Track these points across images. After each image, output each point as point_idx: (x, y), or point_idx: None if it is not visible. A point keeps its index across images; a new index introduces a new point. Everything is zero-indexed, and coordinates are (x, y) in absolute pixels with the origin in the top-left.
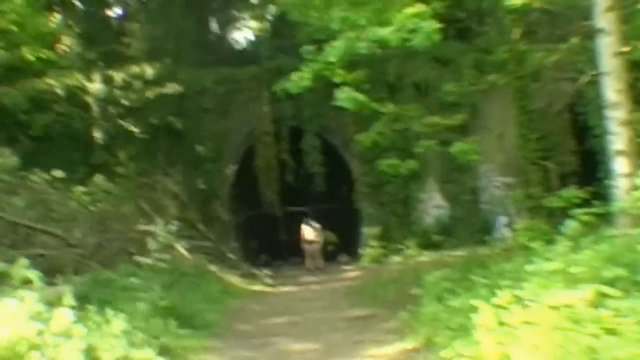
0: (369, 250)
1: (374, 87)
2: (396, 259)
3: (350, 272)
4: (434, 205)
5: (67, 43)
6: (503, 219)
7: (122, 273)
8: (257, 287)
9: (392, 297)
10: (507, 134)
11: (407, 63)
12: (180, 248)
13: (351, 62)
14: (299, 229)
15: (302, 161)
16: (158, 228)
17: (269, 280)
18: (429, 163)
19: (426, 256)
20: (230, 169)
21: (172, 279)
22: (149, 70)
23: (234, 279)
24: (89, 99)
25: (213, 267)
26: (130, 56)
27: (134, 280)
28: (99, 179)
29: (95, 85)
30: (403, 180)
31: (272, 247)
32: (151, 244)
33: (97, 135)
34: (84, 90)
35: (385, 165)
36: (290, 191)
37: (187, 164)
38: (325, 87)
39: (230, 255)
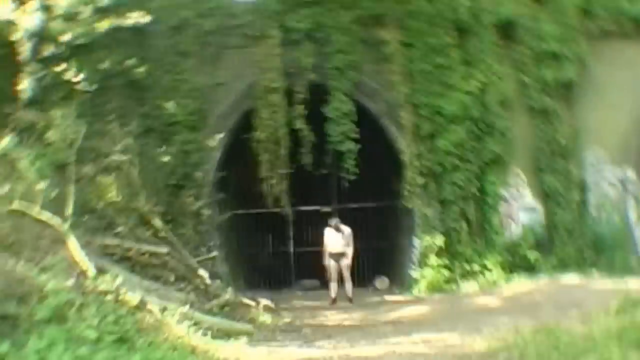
0: (427, 272)
1: (436, 28)
2: (470, 286)
3: (408, 308)
4: (523, 206)
5: None
6: None
7: None
8: (233, 345)
9: None
10: (626, 104)
11: None
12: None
13: None
14: (320, 236)
15: (326, 134)
16: None
17: (266, 319)
18: (516, 142)
19: (529, 283)
20: (216, 142)
21: None
22: None
23: (179, 326)
24: (19, 36)
25: (138, 294)
26: None
27: None
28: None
29: (29, 18)
30: (477, 167)
31: (276, 262)
32: None
33: (25, 85)
34: (12, 24)
35: None
36: (306, 180)
37: (150, 130)
38: (364, 26)
39: (201, 273)
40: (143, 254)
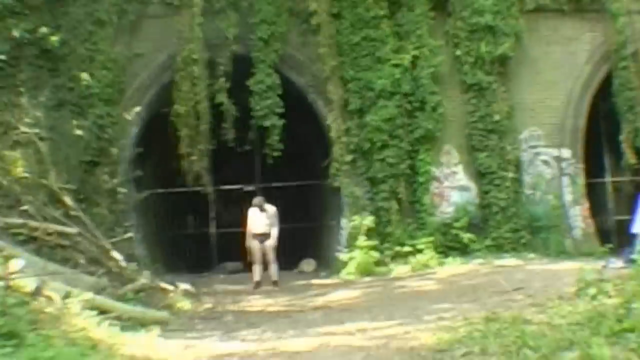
0: (355, 253)
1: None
2: (401, 268)
3: (337, 292)
4: (455, 185)
5: None
6: None
7: None
8: (144, 337)
9: None
10: (562, 82)
11: None
12: None
13: None
14: (243, 217)
15: (250, 109)
16: None
17: (185, 305)
18: (448, 119)
19: (463, 265)
20: (134, 116)
21: None
22: None
23: (82, 316)
24: None
25: (35, 279)
26: None
27: None
28: None
29: None
30: (408, 144)
31: (197, 244)
32: None
33: None
34: None
35: None
36: (229, 157)
37: (63, 102)
38: None
39: (115, 255)
40: (51, 234)
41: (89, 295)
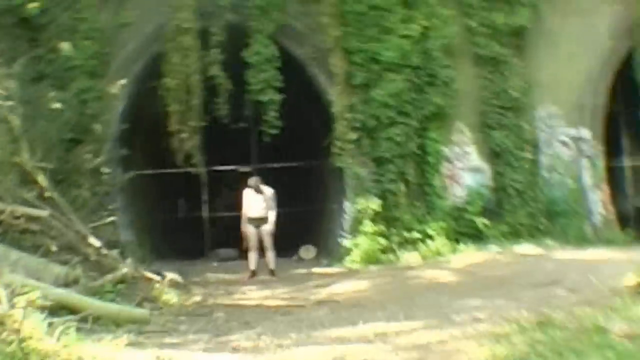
0: (360, 240)
1: None
2: (411, 256)
3: (343, 283)
4: (468, 166)
5: None
6: None
7: None
8: (108, 347)
9: None
10: (581, 58)
11: None
12: None
13: None
14: (238, 199)
15: (245, 83)
16: None
17: (172, 297)
18: (461, 94)
19: (480, 254)
20: (119, 90)
21: None
22: None
23: (34, 320)
24: None
25: None
26: None
27: None
28: None
29: None
30: (417, 122)
31: (189, 230)
32: None
33: None
34: None
35: None
36: (223, 135)
37: (43, 75)
38: None
39: (93, 241)
40: (19, 217)
41: (50, 290)
